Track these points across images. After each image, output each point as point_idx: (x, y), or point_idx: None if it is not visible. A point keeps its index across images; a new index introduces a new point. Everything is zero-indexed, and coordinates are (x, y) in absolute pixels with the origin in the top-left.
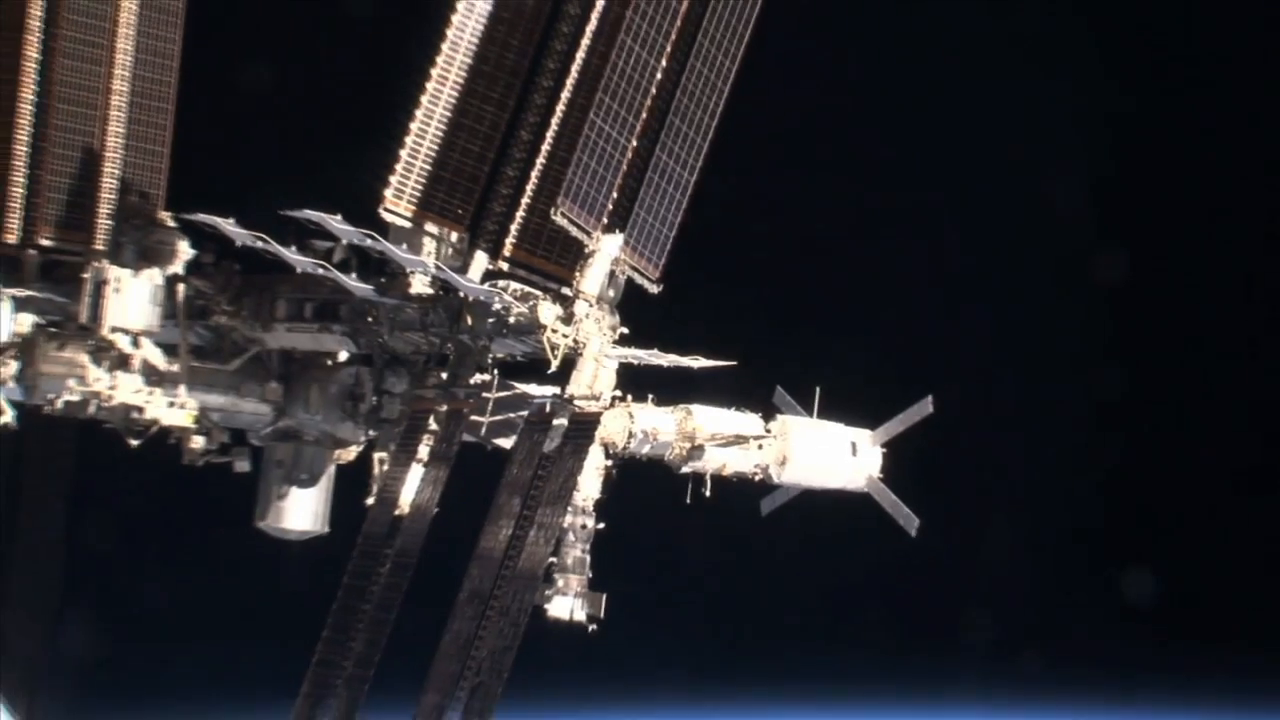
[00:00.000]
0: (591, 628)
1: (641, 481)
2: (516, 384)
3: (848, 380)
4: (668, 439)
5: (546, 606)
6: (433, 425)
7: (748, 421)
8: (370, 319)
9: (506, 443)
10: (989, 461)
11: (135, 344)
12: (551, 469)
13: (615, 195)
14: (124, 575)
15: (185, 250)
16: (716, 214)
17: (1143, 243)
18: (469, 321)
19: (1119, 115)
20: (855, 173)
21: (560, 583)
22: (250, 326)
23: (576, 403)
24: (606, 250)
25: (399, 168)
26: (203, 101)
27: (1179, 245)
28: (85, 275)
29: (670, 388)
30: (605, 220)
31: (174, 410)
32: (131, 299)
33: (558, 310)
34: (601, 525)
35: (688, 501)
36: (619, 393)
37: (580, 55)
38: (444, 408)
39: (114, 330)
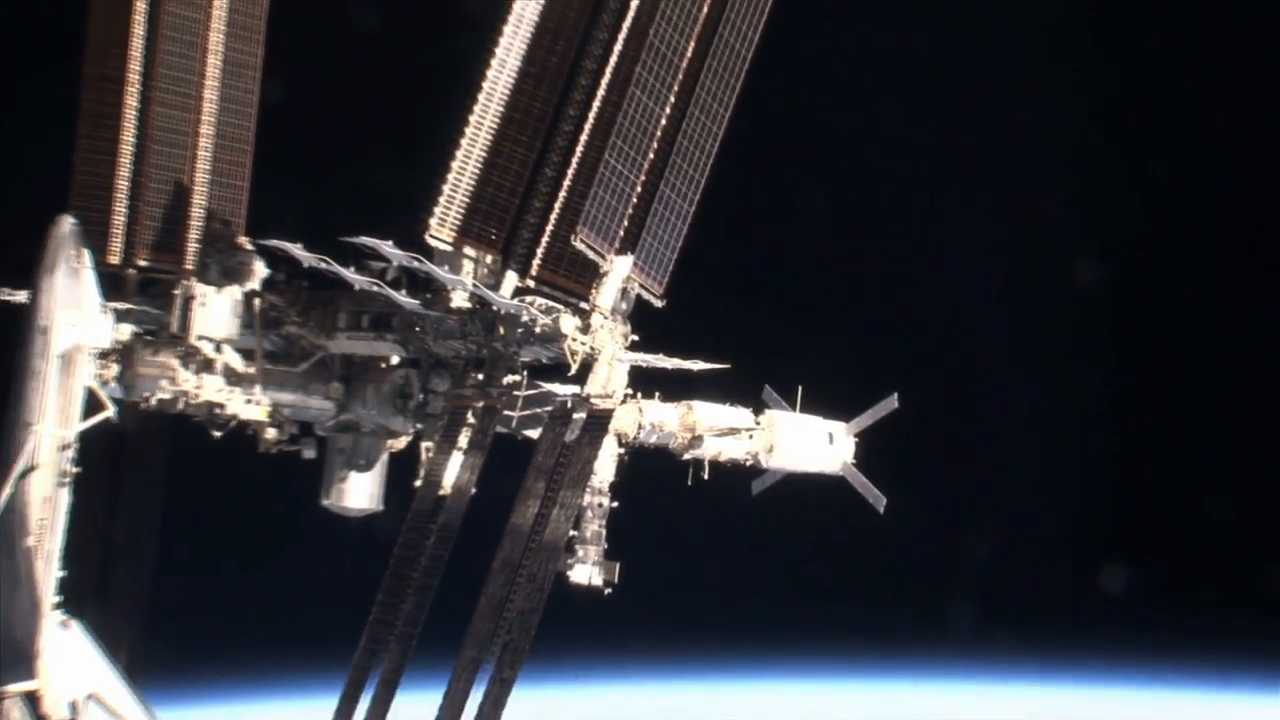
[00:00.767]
0: (607, 591)
1: (649, 466)
2: (542, 384)
3: (825, 380)
4: (671, 430)
5: (568, 573)
6: (470, 419)
7: (740, 415)
8: (418, 329)
9: (534, 434)
10: (971, 448)
11: (218, 350)
12: (572, 456)
13: (625, 224)
14: (211, 543)
15: (261, 270)
16: (713, 238)
17: (1131, 243)
18: (501, 331)
19: (1111, 110)
20: (839, 187)
21: (580, 553)
22: (316, 335)
23: (593, 400)
24: (618, 270)
25: (442, 200)
26: (277, 143)
27: (1167, 246)
28: (176, 291)
29: (673, 387)
30: (617, 245)
31: (251, 406)
32: (215, 311)
33: (577, 321)
34: (615, 503)
35: (689, 483)
36: (630, 391)
37: (596, 105)
38: (480, 404)
39: (200, 338)
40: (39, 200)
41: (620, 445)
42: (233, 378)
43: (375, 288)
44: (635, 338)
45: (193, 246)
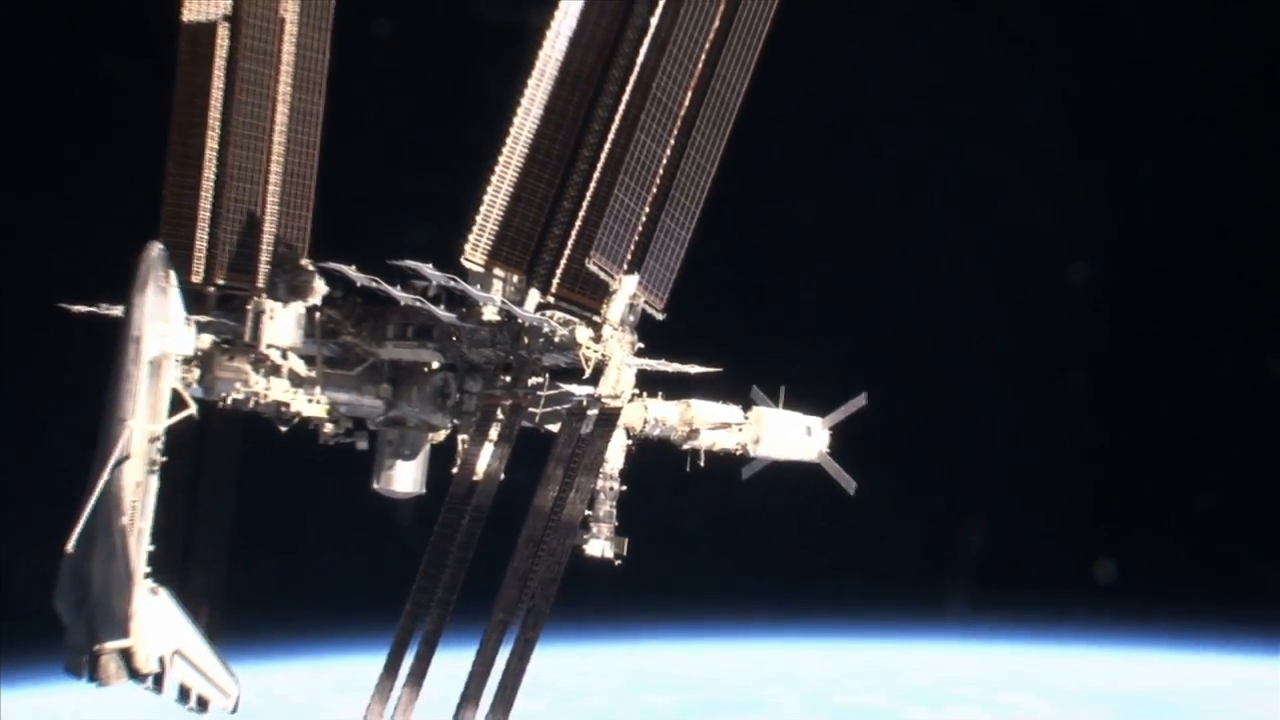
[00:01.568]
0: (617, 563)
1: (653, 455)
2: (561, 385)
3: (803, 381)
4: (672, 424)
5: (583, 547)
6: (500, 415)
7: (731, 412)
8: (454, 338)
9: (554, 428)
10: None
11: (284, 357)
12: (586, 447)
13: (632, 248)
14: (281, 523)
15: (321, 288)
16: (707, 258)
17: (1122, 244)
18: (526, 340)
19: (1105, 114)
20: (825, 202)
21: (594, 530)
22: (368, 343)
23: (604, 399)
24: (626, 288)
25: (475, 229)
26: (336, 180)
27: (1161, 246)
28: (249, 306)
29: (674, 387)
30: (625, 266)
31: (312, 405)
32: (282, 323)
33: (590, 332)
34: (624, 487)
35: (687, 470)
36: (636, 391)
37: (607, 147)
38: (508, 402)
39: (269, 346)
40: (134, 228)
41: (628, 437)
42: (296, 380)
43: (418, 303)
44: (641, 345)
45: (263, 268)
